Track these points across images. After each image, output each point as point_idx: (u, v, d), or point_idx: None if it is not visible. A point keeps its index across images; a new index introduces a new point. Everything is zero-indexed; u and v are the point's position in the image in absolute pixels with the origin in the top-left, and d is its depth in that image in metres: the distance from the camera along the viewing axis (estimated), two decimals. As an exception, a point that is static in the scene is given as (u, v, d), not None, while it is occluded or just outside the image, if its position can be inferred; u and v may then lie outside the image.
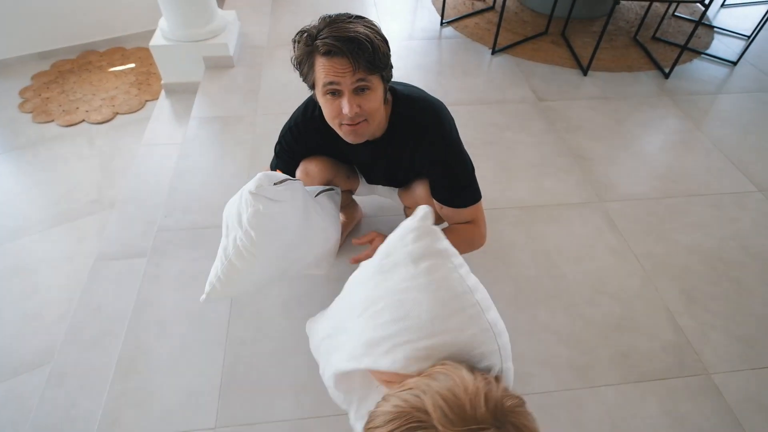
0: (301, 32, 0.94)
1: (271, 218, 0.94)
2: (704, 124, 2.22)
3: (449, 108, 1.18)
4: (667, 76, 2.50)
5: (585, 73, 2.51)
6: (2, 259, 1.97)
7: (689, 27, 2.91)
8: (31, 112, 2.76)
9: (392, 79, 1.10)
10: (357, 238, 1.19)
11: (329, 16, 0.93)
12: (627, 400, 1.28)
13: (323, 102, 0.99)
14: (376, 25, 0.96)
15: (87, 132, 2.64)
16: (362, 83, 0.93)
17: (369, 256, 1.09)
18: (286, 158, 1.24)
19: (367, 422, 0.53)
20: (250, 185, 0.93)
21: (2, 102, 2.85)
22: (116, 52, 3.29)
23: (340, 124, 1.01)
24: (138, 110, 2.79)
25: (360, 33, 0.90)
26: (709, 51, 2.72)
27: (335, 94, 0.95)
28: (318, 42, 0.90)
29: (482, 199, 1.20)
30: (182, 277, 1.55)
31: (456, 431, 0.47)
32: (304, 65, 0.96)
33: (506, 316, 1.42)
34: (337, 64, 0.91)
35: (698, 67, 2.61)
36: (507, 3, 3.11)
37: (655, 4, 3.03)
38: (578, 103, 2.32)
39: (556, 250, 1.65)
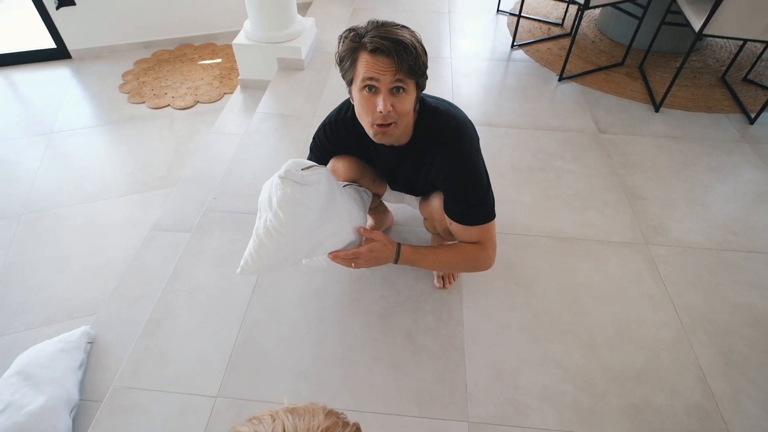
0: (350, 30, 1.01)
1: (298, 201, 1.03)
2: (786, 177, 2.01)
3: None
4: (752, 121, 2.30)
5: (657, 109, 2.37)
6: (81, 217, 2.24)
7: (790, 72, 2.65)
8: (128, 93, 3.11)
9: (444, 98, 1.15)
10: (361, 227, 1.22)
11: (378, 21, 1.00)
12: (630, 455, 1.20)
13: (359, 98, 1.03)
14: (419, 36, 1.02)
15: (170, 116, 2.93)
16: (400, 84, 0.98)
17: (353, 253, 1.17)
18: (318, 154, 1.31)
19: None
20: (280, 170, 1.01)
21: (107, 82, 3.24)
22: (208, 47, 3.61)
23: (372, 123, 1.04)
24: (216, 101, 3.04)
25: (407, 38, 0.96)
26: (809, 99, 2.46)
27: (372, 89, 1.00)
28: (366, 39, 0.97)
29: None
30: (218, 254, 1.68)
31: None
32: (346, 60, 1.02)
33: (517, 343, 1.41)
34: (381, 62, 0.96)
35: (792, 115, 2.37)
36: (585, 31, 3.03)
37: (751, 44, 2.79)
38: (642, 140, 2.20)
39: (585, 286, 1.58)
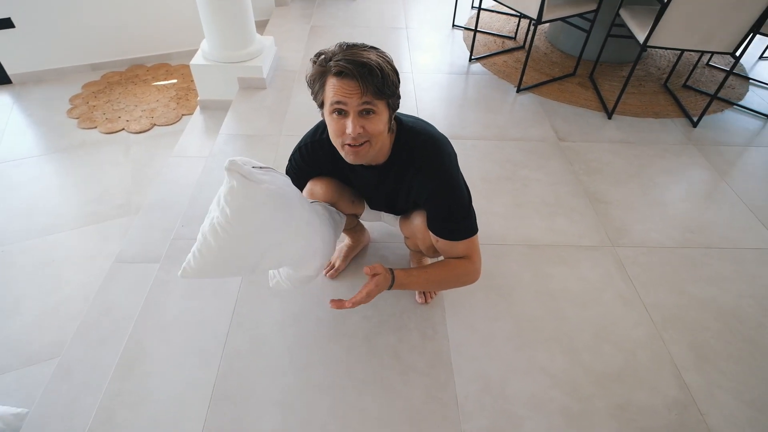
0: (318, 54, 1.01)
1: (247, 196, 0.96)
2: (730, 175, 2.16)
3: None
4: (695, 124, 2.47)
5: (609, 117, 2.50)
6: (32, 253, 2.09)
7: (723, 76, 2.87)
8: (77, 118, 2.95)
9: (407, 112, 1.15)
10: (368, 266, 1.15)
11: (347, 43, 1.00)
12: (620, 455, 1.23)
13: (329, 120, 1.04)
14: (389, 56, 1.02)
15: (125, 140, 2.80)
16: (368, 106, 0.98)
17: (366, 293, 1.12)
18: (294, 176, 1.29)
19: None
20: (226, 162, 0.95)
21: (54, 106, 3.07)
22: (162, 67, 3.50)
23: (343, 144, 1.05)
24: (174, 123, 2.94)
25: (372, 60, 0.96)
26: (742, 102, 2.67)
27: (341, 113, 1.00)
28: (332, 63, 0.97)
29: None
30: (190, 285, 1.61)
31: None
32: (316, 83, 1.03)
33: (503, 353, 1.42)
34: (346, 86, 0.96)
35: (729, 117, 2.57)
36: (537, 44, 3.16)
37: (687, 54, 3.01)
38: (600, 146, 2.31)
39: (561, 291, 1.62)
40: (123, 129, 2.87)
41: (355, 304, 1.11)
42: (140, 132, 2.85)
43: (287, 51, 3.02)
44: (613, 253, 1.77)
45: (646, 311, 1.58)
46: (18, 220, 2.25)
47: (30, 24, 3.12)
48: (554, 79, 2.79)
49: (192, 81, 3.24)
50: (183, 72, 3.42)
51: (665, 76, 2.85)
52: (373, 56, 0.97)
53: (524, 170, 2.13)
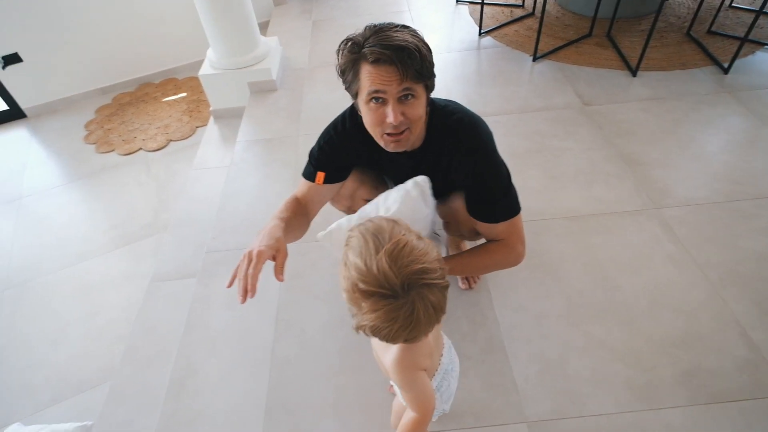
0: (347, 40, 0.95)
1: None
2: (772, 120, 2.04)
3: (491, 118, 1.16)
4: (726, 71, 2.34)
5: (634, 74, 2.39)
6: (69, 281, 2.11)
7: (749, 17, 2.71)
8: (94, 143, 2.98)
9: (439, 97, 1.09)
10: None
11: (375, 25, 0.93)
12: (696, 424, 1.17)
13: (366, 110, 0.98)
14: (420, 34, 0.96)
15: (144, 159, 2.81)
16: (408, 92, 0.93)
17: None
18: (322, 168, 1.20)
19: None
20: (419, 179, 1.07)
21: (70, 135, 3.10)
22: (169, 82, 3.50)
23: (383, 133, 1.00)
24: (189, 136, 2.94)
25: (409, 42, 0.90)
26: (773, 41, 2.52)
27: (379, 101, 0.95)
28: (366, 50, 0.90)
29: (526, 211, 1.15)
30: (230, 296, 1.59)
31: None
32: (348, 73, 0.96)
33: (557, 331, 1.37)
34: (384, 72, 0.90)
35: (762, 59, 2.42)
36: (548, 8, 3.04)
37: (709, -3, 2.85)
38: (628, 106, 2.20)
39: (609, 261, 1.56)
40: (140, 148, 2.88)
41: None
42: (157, 149, 2.86)
43: (293, 50, 2.98)
44: (658, 216, 1.69)
45: (701, 271, 1.50)
46: (51, 250, 2.28)
47: (36, 57, 3.14)
48: (570, 43, 2.68)
49: (201, 92, 3.23)
50: (191, 84, 3.42)
51: (687, 24, 2.71)
52: (408, 37, 0.91)
53: (553, 140, 2.05)
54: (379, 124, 0.98)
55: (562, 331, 1.38)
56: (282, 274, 0.97)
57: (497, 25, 2.95)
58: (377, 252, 0.64)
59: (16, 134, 3.22)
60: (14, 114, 3.32)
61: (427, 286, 0.64)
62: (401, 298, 0.63)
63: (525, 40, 2.77)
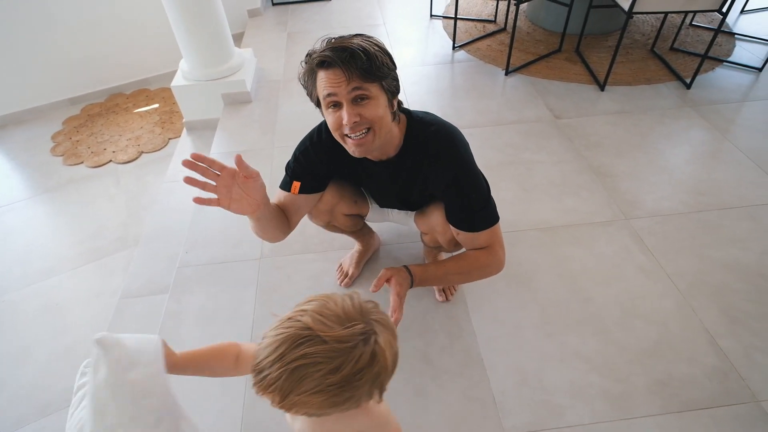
0: (307, 53, 0.99)
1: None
2: (731, 133, 2.14)
3: (465, 130, 1.17)
4: (688, 86, 2.44)
5: (602, 89, 2.47)
6: (35, 298, 2.02)
7: (708, 35, 2.84)
8: (62, 155, 2.88)
9: (412, 109, 1.13)
10: (373, 284, 1.07)
11: (333, 37, 0.97)
12: (669, 433, 1.19)
13: (327, 115, 1.01)
14: (376, 39, 0.99)
15: (114, 172, 2.73)
16: (359, 92, 0.95)
17: (397, 296, 1.06)
18: (298, 180, 1.19)
19: (255, 361, 0.60)
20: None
21: (36, 147, 2.99)
22: (141, 93, 3.43)
23: (344, 137, 1.01)
24: (162, 148, 2.87)
25: (354, 44, 0.93)
26: (731, 58, 2.65)
27: (336, 105, 0.97)
28: (315, 56, 0.95)
29: (501, 222, 1.17)
30: (203, 312, 1.56)
31: (336, 333, 0.57)
32: (308, 82, 1.01)
33: (534, 343, 1.38)
34: (332, 75, 0.94)
35: (721, 75, 2.54)
36: (519, 24, 3.12)
37: (671, 15, 2.98)
38: (597, 119, 2.27)
39: (582, 272, 1.59)
40: (110, 161, 2.80)
41: (400, 313, 1.04)
42: (128, 161, 2.79)
43: (267, 61, 2.96)
44: (627, 226, 1.74)
45: (671, 280, 1.55)
46: (16, 266, 2.18)
47: (2, 65, 3.04)
48: (541, 58, 2.75)
49: (174, 103, 3.17)
50: (164, 95, 3.35)
51: (651, 41, 2.83)
52: (356, 41, 0.95)
53: (526, 153, 2.09)
54: (338, 127, 1.00)
55: (538, 342, 1.40)
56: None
57: (470, 39, 3.01)
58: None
59: (-23, 146, 3.09)
60: (-25, 125, 3.19)
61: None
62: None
63: (497, 55, 2.83)
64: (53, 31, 3.07)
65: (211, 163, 0.93)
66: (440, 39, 3.10)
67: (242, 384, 1.35)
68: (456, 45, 2.95)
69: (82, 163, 2.80)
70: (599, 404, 1.25)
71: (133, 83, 3.49)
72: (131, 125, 3.09)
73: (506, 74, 2.65)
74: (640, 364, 1.33)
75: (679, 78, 2.50)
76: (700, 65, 2.39)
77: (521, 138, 2.18)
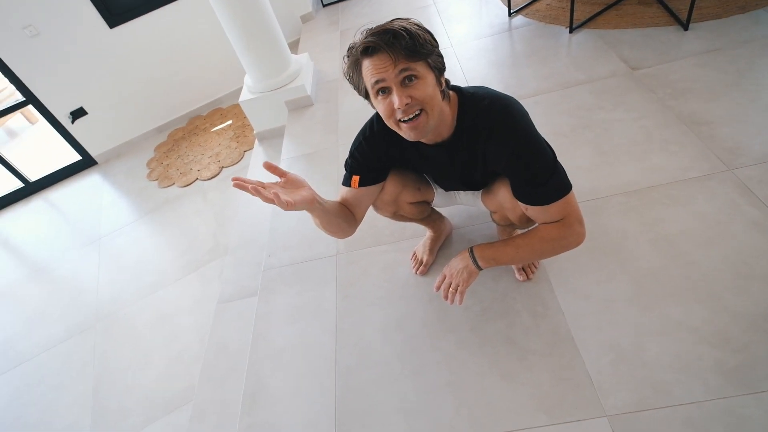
0: (348, 47, 0.99)
1: None
2: None
3: (529, 99, 1.12)
4: (795, 6, 2.08)
5: (686, 28, 2.19)
6: (148, 310, 2.27)
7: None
8: (156, 180, 3.19)
9: (465, 84, 1.08)
10: (434, 285, 1.22)
11: (369, 27, 0.97)
12: (805, 407, 1.04)
13: (377, 104, 1.00)
14: (414, 19, 0.98)
15: (200, 189, 2.97)
16: (407, 72, 0.93)
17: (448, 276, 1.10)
18: (362, 171, 1.20)
19: None
20: None
21: (135, 174, 3.35)
22: (216, 113, 3.68)
23: (398, 122, 1.00)
24: (239, 161, 3.07)
25: (394, 26, 0.93)
26: None
27: (385, 92, 0.96)
28: (358, 45, 0.95)
29: (575, 191, 1.08)
30: (290, 310, 1.64)
31: None
32: (353, 75, 1.00)
33: (628, 317, 1.28)
34: (378, 60, 0.93)
35: (838, -15, 2.14)
36: (579, -26, 2.87)
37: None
38: (682, 63, 2.02)
39: (680, 234, 1.43)
40: (197, 179, 3.05)
41: (454, 291, 1.15)
42: (212, 177, 3.01)
43: (324, 62, 3.03)
44: (731, 178, 1.53)
45: (792, 233, 1.34)
46: (130, 283, 2.46)
47: (98, 108, 3.43)
48: (609, 6, 2.51)
49: (245, 118, 3.36)
50: (235, 111, 3.57)
51: (742, -38, 2.45)
52: (395, 23, 0.94)
53: (600, 113, 1.92)
54: (390, 114, 0.98)
55: (633, 315, 1.29)
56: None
57: (527, 2, 2.83)
58: None
59: (90, 180, 3.52)
60: (87, 162, 3.64)
61: None
62: None
63: (559, 13, 2.63)
64: (134, 70, 3.40)
65: (279, 172, 1.03)
66: (494, 8, 2.95)
67: (331, 375, 1.40)
68: (512, 11, 2.79)
69: (173, 184, 3.08)
70: (713, 378, 1.12)
71: (208, 104, 3.76)
72: (211, 143, 3.33)
73: (570, 32, 2.46)
74: (759, 330, 1.17)
75: (783, -1, 2.15)
76: (809, -21, 2.03)
77: (594, 98, 2.01)
